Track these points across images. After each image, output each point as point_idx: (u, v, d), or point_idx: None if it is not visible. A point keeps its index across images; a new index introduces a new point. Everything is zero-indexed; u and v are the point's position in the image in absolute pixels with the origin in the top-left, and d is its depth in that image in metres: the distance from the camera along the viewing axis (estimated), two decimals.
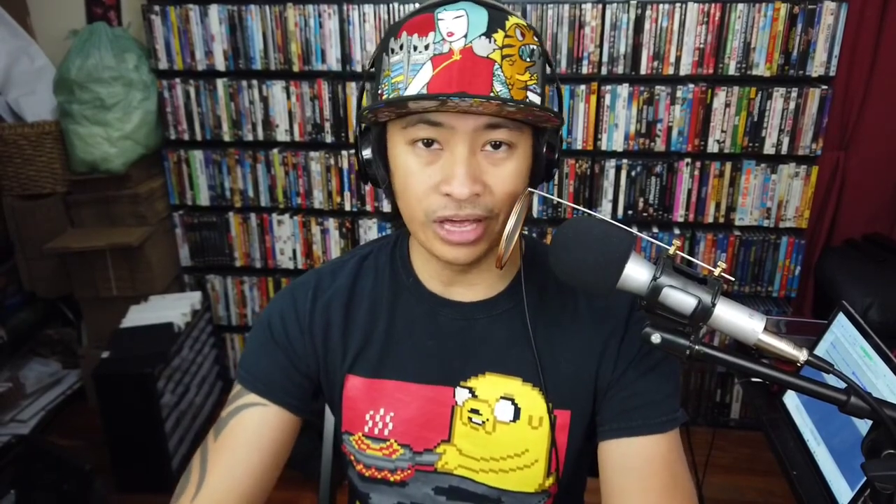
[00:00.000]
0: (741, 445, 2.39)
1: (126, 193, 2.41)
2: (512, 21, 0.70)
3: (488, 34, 0.68)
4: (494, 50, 0.68)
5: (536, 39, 0.72)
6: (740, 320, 0.61)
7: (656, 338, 0.63)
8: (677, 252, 0.64)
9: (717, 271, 0.62)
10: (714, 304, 0.61)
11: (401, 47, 0.70)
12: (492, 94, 0.67)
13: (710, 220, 2.37)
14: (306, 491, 2.16)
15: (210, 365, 2.59)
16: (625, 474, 0.77)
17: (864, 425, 1.17)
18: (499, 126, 0.69)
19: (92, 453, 2.18)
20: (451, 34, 0.67)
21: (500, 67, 0.68)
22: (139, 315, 2.35)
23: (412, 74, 0.68)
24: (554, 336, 0.83)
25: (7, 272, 2.55)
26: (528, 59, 0.70)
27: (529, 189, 0.74)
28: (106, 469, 2.14)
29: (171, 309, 2.38)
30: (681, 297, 0.61)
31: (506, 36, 0.68)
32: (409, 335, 0.85)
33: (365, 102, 0.82)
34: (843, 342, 1.30)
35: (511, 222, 0.69)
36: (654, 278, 0.61)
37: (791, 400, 1.40)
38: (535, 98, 0.71)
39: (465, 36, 0.67)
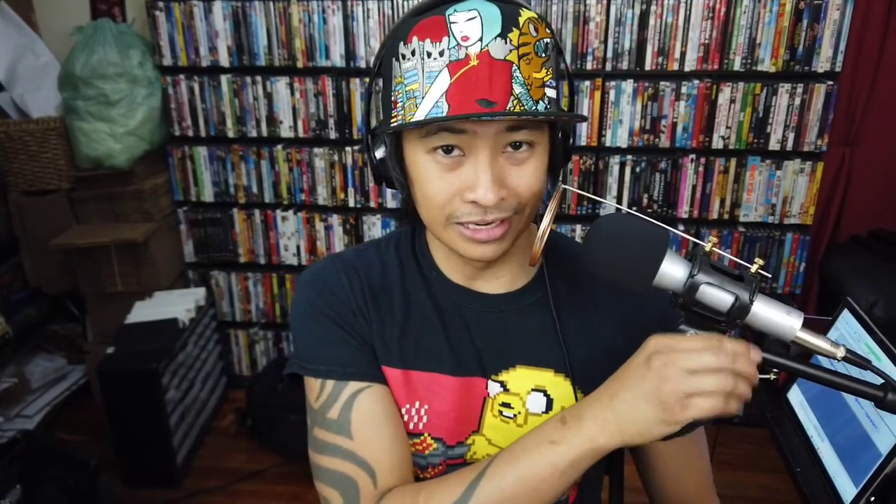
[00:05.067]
0: (745, 442, 2.39)
1: (130, 189, 2.42)
2: (525, 16, 0.68)
3: (503, 34, 0.66)
4: (511, 51, 0.66)
5: (549, 31, 0.71)
6: (778, 317, 0.61)
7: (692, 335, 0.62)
8: (713, 249, 0.63)
9: (753, 268, 0.62)
10: (752, 301, 0.60)
11: (412, 53, 0.68)
12: (510, 105, 0.66)
13: (714, 216, 2.36)
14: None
15: (214, 360, 2.59)
16: (670, 457, 0.85)
17: (868, 423, 1.17)
18: (520, 127, 0.69)
19: (97, 448, 2.19)
20: (465, 38, 0.66)
21: (518, 68, 0.66)
22: (144, 311, 2.36)
23: (428, 82, 0.67)
24: (584, 326, 0.84)
25: (12, 268, 2.56)
26: (543, 55, 0.69)
27: (563, 186, 0.74)
28: (111, 464, 2.15)
29: (175, 305, 2.38)
30: (718, 295, 0.61)
31: (521, 34, 0.67)
32: (442, 327, 0.83)
33: (376, 106, 0.79)
34: (848, 339, 1.30)
35: (546, 220, 0.68)
36: (692, 275, 0.61)
37: (795, 397, 1.40)
38: (551, 93, 0.70)
39: (481, 39, 0.65)
